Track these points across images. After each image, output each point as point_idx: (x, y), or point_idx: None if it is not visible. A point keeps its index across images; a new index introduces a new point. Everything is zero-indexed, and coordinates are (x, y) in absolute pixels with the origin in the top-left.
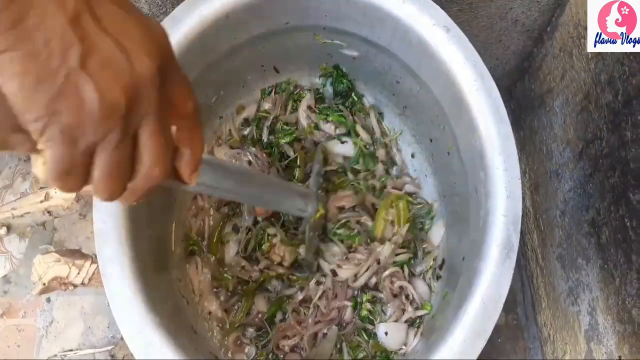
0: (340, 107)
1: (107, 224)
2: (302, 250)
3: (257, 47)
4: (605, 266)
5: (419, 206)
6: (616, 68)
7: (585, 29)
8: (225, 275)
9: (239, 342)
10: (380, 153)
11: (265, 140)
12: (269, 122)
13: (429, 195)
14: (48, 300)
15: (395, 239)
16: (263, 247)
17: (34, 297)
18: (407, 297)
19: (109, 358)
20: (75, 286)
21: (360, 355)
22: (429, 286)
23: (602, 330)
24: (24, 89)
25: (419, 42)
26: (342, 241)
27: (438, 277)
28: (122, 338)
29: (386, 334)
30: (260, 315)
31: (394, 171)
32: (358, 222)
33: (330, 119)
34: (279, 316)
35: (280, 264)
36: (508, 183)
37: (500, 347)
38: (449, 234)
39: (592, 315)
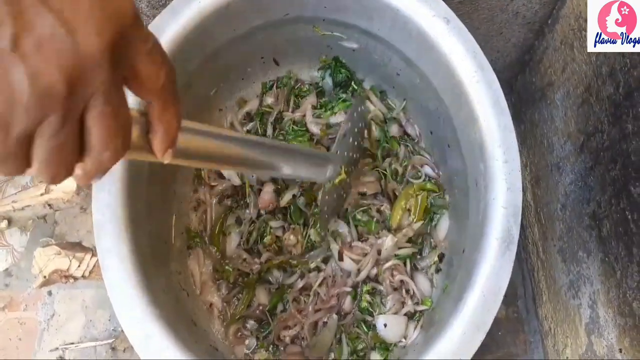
0: (342, 95)
1: (106, 215)
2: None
3: (257, 39)
4: (606, 259)
5: (436, 194)
6: (617, 60)
7: (586, 21)
8: (226, 267)
9: (239, 334)
10: (394, 129)
11: (270, 136)
12: (273, 118)
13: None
14: (49, 293)
15: (405, 231)
16: (265, 239)
17: (35, 290)
18: (407, 291)
19: (110, 351)
20: (75, 279)
21: (360, 347)
22: (431, 281)
23: (603, 323)
24: None
25: (418, 34)
26: (356, 227)
27: (438, 270)
28: (122, 331)
29: (385, 326)
30: (261, 307)
31: (410, 146)
32: (378, 210)
33: (336, 110)
34: (279, 307)
35: (290, 249)
36: (508, 175)
37: (501, 340)
38: (449, 226)
39: (593, 309)
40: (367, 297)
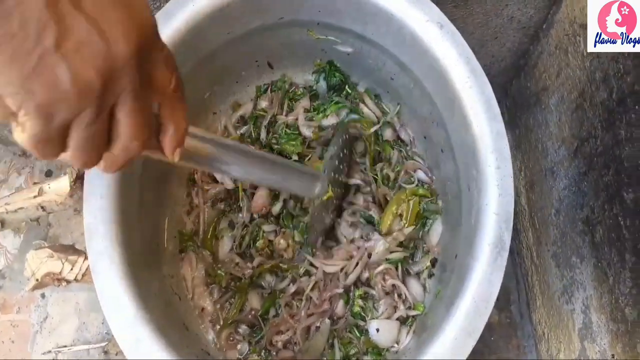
0: (336, 98)
1: (97, 218)
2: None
3: (251, 43)
4: (599, 265)
5: (429, 199)
6: (611, 66)
7: (581, 26)
8: (218, 272)
9: (231, 338)
10: (388, 134)
11: (264, 140)
12: (267, 122)
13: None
14: (42, 296)
15: (396, 235)
16: (257, 244)
17: (28, 292)
18: (399, 295)
19: (103, 354)
20: (68, 282)
21: (352, 352)
22: (424, 286)
23: (595, 328)
24: (1, 67)
25: (412, 38)
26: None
27: (431, 275)
28: None
29: (378, 330)
30: (253, 312)
31: (404, 151)
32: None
33: (328, 112)
34: (272, 312)
35: (282, 253)
36: (500, 181)
37: (493, 345)
38: (442, 231)
39: (586, 314)
40: (360, 301)
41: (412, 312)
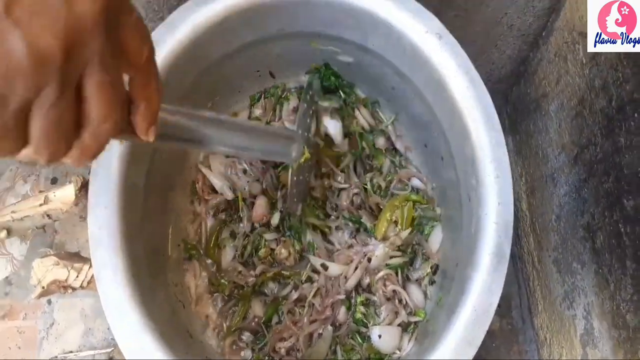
0: (330, 97)
1: (101, 228)
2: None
3: (252, 54)
4: (600, 271)
5: (424, 206)
6: (610, 74)
7: (580, 34)
8: (222, 281)
9: (235, 346)
10: (380, 142)
11: None
12: None
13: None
14: (49, 302)
15: (393, 239)
16: (260, 252)
17: (35, 299)
18: (400, 301)
19: (109, 359)
20: (74, 289)
21: (354, 358)
22: (425, 293)
23: (597, 334)
24: None
25: (411, 49)
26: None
27: (432, 282)
28: None
29: (380, 337)
30: (256, 319)
31: (397, 161)
32: (355, 221)
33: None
34: (275, 319)
35: (283, 262)
36: (500, 191)
37: (494, 352)
38: (443, 239)
39: (588, 320)
40: (362, 308)
41: (414, 318)
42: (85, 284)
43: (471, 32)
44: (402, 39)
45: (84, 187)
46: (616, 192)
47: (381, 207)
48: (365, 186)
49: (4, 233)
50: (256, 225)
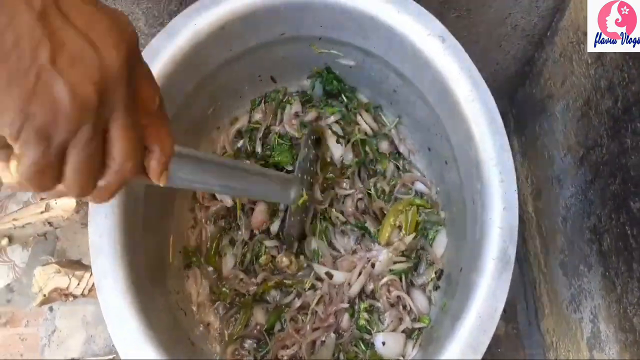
0: (332, 102)
1: (102, 237)
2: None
3: (253, 58)
4: (607, 274)
5: (428, 210)
6: (615, 74)
7: (585, 34)
8: (223, 289)
9: (237, 353)
10: (384, 146)
11: (259, 153)
12: (261, 134)
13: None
14: (50, 309)
15: (397, 244)
16: (260, 259)
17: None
18: (404, 307)
19: None
20: (75, 297)
21: None
22: (429, 299)
23: (604, 338)
24: None
25: (414, 52)
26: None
27: (437, 288)
28: None
29: (384, 344)
30: (258, 327)
31: (401, 164)
32: (361, 227)
33: (320, 112)
34: (277, 327)
35: (285, 270)
36: (504, 195)
37: (500, 357)
38: (447, 243)
39: (594, 323)
40: (365, 314)
41: (418, 325)
42: (86, 292)
43: (474, 32)
44: (404, 42)
45: None
46: (623, 193)
47: (385, 211)
48: (369, 191)
49: (6, 240)
50: (256, 232)
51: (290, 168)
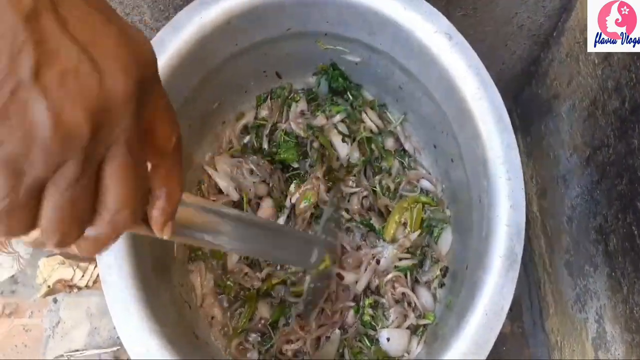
0: (338, 100)
1: None
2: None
3: (259, 53)
4: (613, 274)
5: (434, 208)
6: (623, 75)
7: None
8: (227, 283)
9: (241, 347)
10: (390, 144)
11: (266, 149)
12: (268, 131)
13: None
14: (55, 300)
15: (402, 241)
16: None
17: (40, 298)
18: (409, 303)
19: (114, 359)
20: (79, 289)
21: None
22: (434, 296)
23: (609, 338)
24: None
25: (420, 49)
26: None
27: (442, 285)
28: None
29: (388, 340)
30: (263, 321)
31: (406, 162)
32: (366, 224)
33: (327, 113)
34: (282, 321)
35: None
36: (511, 192)
37: (504, 356)
38: (453, 241)
39: (600, 323)
40: (370, 310)
41: (423, 321)
42: (90, 284)
43: (480, 31)
44: (410, 39)
45: None
46: (629, 194)
47: (390, 209)
48: (375, 188)
49: None
50: None
51: (296, 165)
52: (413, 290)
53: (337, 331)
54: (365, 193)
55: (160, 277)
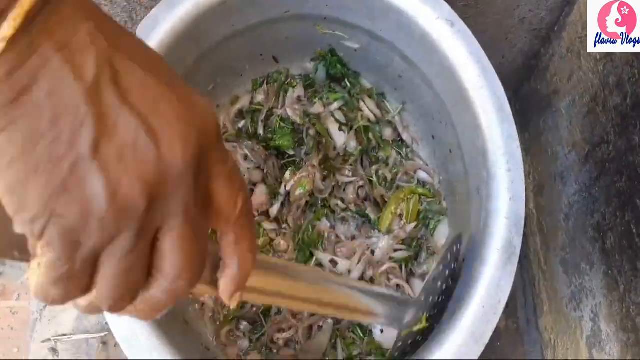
0: (335, 87)
1: None
2: None
3: (256, 35)
4: (610, 272)
5: (431, 199)
6: (625, 70)
7: None
8: None
9: (232, 335)
10: (387, 133)
11: (261, 135)
12: (263, 116)
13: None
14: None
15: (397, 233)
16: (259, 241)
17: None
18: None
19: (101, 344)
20: None
21: (355, 352)
22: None
23: (604, 337)
24: (19, 182)
25: (421, 36)
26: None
27: None
28: None
29: (382, 331)
30: (254, 309)
31: (404, 152)
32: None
33: (324, 101)
34: (273, 309)
35: (282, 254)
36: (511, 184)
37: (499, 351)
38: (449, 233)
39: (595, 322)
40: None
41: None
42: None
43: (482, 23)
44: (412, 25)
45: None
46: (629, 191)
47: (386, 199)
48: (371, 178)
49: None
50: (255, 213)
51: (291, 152)
52: (408, 282)
53: (330, 321)
54: (361, 183)
55: None
